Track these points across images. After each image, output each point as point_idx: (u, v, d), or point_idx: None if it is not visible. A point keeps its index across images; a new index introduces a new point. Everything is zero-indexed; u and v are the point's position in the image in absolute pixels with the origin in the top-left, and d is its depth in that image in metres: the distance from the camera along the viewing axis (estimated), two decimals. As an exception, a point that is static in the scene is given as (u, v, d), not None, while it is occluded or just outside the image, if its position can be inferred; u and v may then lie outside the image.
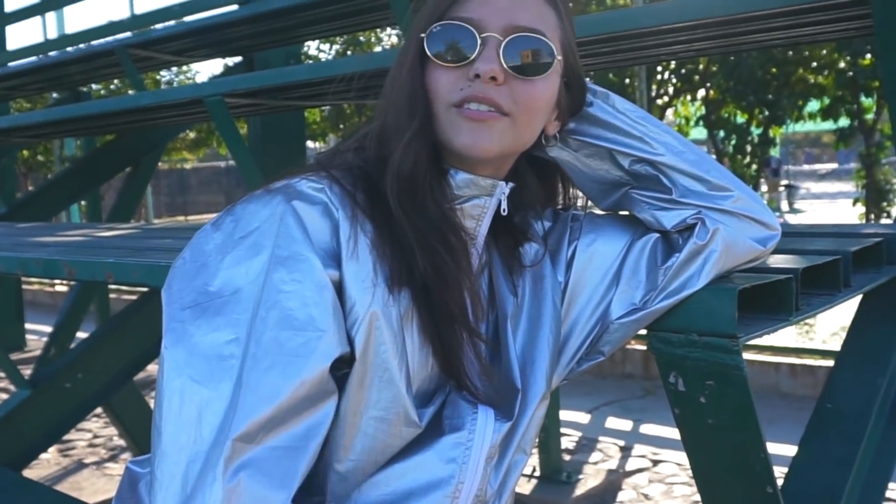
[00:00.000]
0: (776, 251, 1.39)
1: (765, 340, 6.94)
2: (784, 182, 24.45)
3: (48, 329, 9.26)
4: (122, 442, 5.27)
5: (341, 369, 0.88)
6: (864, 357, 1.61)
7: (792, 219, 18.61)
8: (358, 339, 0.87)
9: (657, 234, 1.10)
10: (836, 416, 1.53)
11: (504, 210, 1.02)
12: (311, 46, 12.55)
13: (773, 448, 1.17)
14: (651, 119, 1.11)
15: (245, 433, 0.80)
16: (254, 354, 0.82)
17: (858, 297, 1.73)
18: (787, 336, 7.22)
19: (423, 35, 0.96)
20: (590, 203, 1.19)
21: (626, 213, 1.18)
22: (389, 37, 11.92)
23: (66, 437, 4.83)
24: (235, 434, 0.79)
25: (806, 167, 36.35)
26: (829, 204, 21.42)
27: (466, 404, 0.93)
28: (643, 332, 1.12)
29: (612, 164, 1.10)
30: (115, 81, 13.21)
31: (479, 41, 0.94)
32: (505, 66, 0.95)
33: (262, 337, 0.82)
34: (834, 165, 33.85)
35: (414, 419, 0.90)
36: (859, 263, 1.48)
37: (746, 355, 5.11)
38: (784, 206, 22.08)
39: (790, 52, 6.25)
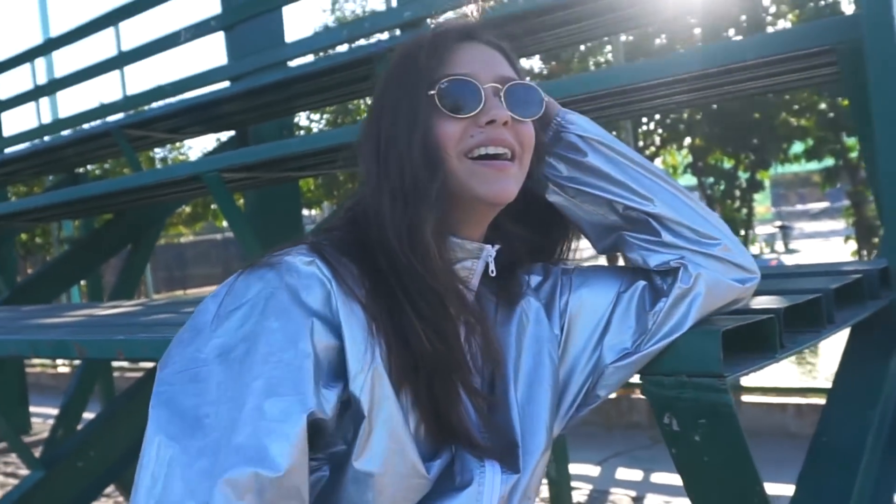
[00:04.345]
0: (761, 292, 1.45)
1: (770, 381, 6.95)
2: (778, 223, 24.61)
3: (52, 411, 9.22)
4: (131, 520, 5.24)
5: (335, 444, 0.92)
6: (855, 391, 1.66)
7: (787, 259, 18.65)
8: (363, 397, 0.90)
9: (644, 282, 1.15)
10: (832, 450, 1.57)
11: (492, 271, 1.08)
12: (303, 116, 12.76)
13: (782, 489, 1.20)
14: (644, 163, 1.18)
15: (220, 491, 0.82)
16: (235, 419, 0.85)
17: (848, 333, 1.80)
18: (792, 377, 7.23)
19: (432, 92, 1.02)
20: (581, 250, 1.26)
21: (613, 265, 1.24)
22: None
23: (75, 519, 4.81)
24: (209, 493, 0.82)
25: (799, 207, 36.53)
26: (824, 242, 21.50)
27: (474, 459, 0.98)
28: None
29: (609, 209, 1.17)
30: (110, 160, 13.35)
31: (482, 92, 1.03)
32: (509, 111, 1.04)
33: (245, 403, 0.86)
34: (826, 204, 34.04)
35: (421, 471, 0.94)
36: (842, 300, 1.54)
37: (752, 398, 5.13)
38: (779, 246, 22.18)
39: (771, 96, 6.38)
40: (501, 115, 1.02)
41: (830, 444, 1.58)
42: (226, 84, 5.39)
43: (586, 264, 1.25)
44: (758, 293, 1.46)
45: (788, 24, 6.92)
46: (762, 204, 25.51)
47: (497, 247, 1.09)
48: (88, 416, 5.82)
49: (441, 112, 1.02)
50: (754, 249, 8.07)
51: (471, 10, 1.16)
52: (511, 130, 1.04)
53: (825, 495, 1.52)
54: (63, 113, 11.49)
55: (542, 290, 1.16)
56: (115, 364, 7.91)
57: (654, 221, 1.14)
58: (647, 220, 1.14)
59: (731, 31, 7.06)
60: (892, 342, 1.65)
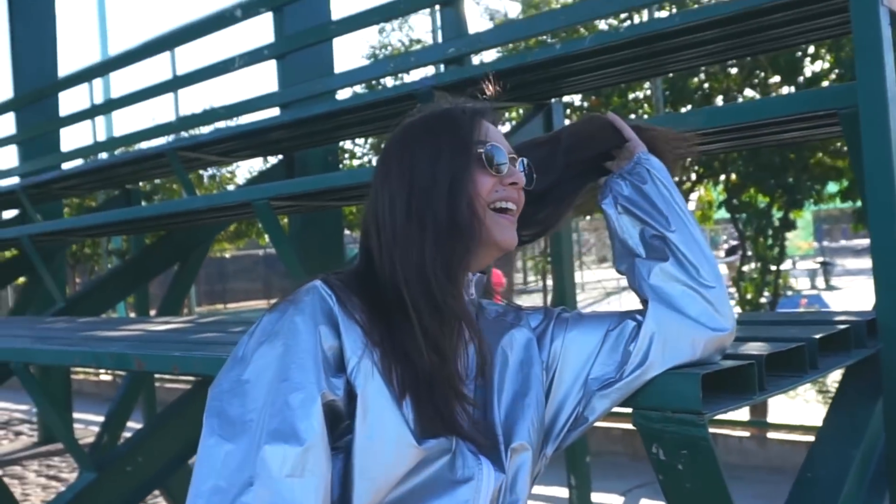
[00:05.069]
0: (754, 338, 1.62)
1: (797, 420, 7.02)
2: (819, 259, 24.43)
3: (92, 418, 9.50)
4: (169, 526, 5.45)
5: (349, 432, 1.14)
6: (841, 431, 1.81)
7: (828, 296, 18.52)
8: (358, 381, 1.14)
9: (633, 322, 1.34)
10: (814, 484, 1.72)
11: (472, 294, 1.30)
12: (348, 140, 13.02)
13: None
14: (685, 209, 1.42)
15: (261, 463, 1.07)
16: (271, 414, 1.10)
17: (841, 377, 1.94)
18: (820, 414, 7.27)
19: (481, 150, 1.26)
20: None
21: (604, 311, 1.43)
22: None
23: (117, 522, 5.02)
24: (253, 468, 1.06)
25: (843, 243, 36.01)
26: (866, 280, 21.27)
27: (472, 456, 1.18)
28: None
29: (639, 233, 1.41)
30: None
31: (507, 159, 1.28)
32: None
33: (276, 401, 1.11)
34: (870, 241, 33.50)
35: (412, 441, 1.13)
36: (829, 347, 1.69)
37: (779, 434, 5.20)
38: (820, 283, 22.01)
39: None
40: (522, 179, 1.31)
41: (814, 479, 1.73)
42: (275, 110, 5.62)
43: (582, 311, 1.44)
44: (752, 339, 1.63)
45: (827, 65, 7.01)
46: (805, 240, 25.29)
47: (478, 274, 1.32)
48: (131, 423, 6.07)
49: (483, 168, 1.26)
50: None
51: (490, 88, 1.43)
52: (518, 192, 1.30)
53: (805, 526, 1.66)
54: (117, 131, 11.90)
55: (540, 326, 1.37)
56: (157, 375, 8.18)
57: (667, 248, 1.36)
58: (663, 247, 1.37)
59: (771, 72, 7.19)
60: (878, 388, 1.79)
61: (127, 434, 5.43)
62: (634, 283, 1.40)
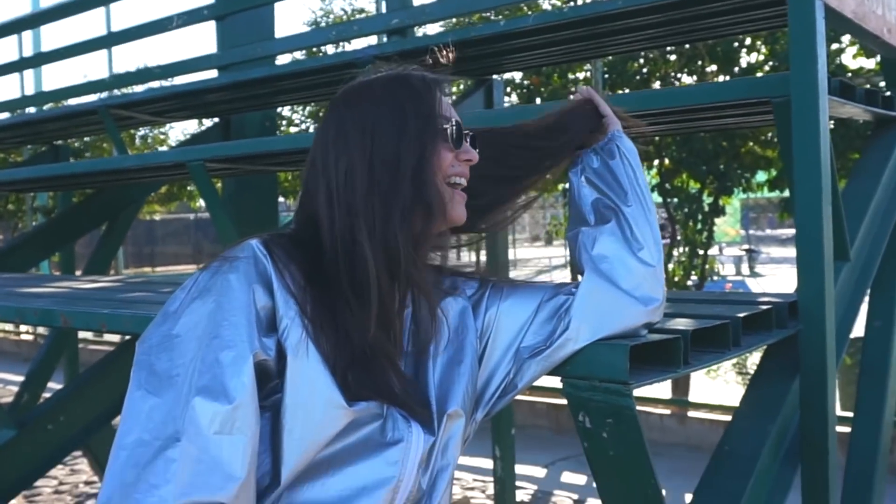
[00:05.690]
0: (681, 315, 1.67)
1: (718, 400, 7.23)
2: (745, 247, 25.05)
3: (11, 377, 9.30)
4: (87, 489, 5.39)
5: (277, 391, 1.14)
6: (759, 407, 1.88)
7: (752, 282, 19.01)
8: (289, 342, 1.15)
9: (566, 293, 1.37)
10: (732, 457, 1.79)
11: None
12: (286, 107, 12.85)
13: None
14: (645, 190, 1.45)
15: (189, 418, 1.06)
16: (200, 370, 1.09)
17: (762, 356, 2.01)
18: (739, 395, 7.48)
19: (446, 126, 1.26)
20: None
21: (539, 281, 1.46)
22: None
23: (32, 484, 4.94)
24: (182, 421, 1.06)
25: (769, 231, 36.93)
26: (790, 269, 21.90)
27: (402, 419, 1.20)
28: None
29: (592, 200, 1.46)
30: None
31: (464, 135, 1.29)
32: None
33: (206, 358, 1.10)
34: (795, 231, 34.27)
35: (342, 402, 1.14)
36: (752, 326, 1.75)
37: (699, 413, 5.36)
38: (745, 269, 22.58)
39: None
40: (475, 157, 1.31)
41: (731, 453, 1.80)
42: (213, 72, 5.51)
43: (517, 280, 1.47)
44: (678, 316, 1.68)
45: (762, 57, 7.17)
46: (732, 226, 25.85)
47: None
48: (52, 384, 5.95)
49: (445, 143, 1.26)
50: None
51: (446, 55, 1.38)
52: (468, 168, 1.31)
53: (721, 495, 1.73)
54: (47, 85, 11.52)
55: (475, 294, 1.39)
56: (80, 336, 8.03)
57: (615, 218, 1.40)
58: (612, 217, 1.41)
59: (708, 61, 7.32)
60: (795, 367, 1.86)
61: (48, 395, 5.34)
62: (576, 252, 1.43)
